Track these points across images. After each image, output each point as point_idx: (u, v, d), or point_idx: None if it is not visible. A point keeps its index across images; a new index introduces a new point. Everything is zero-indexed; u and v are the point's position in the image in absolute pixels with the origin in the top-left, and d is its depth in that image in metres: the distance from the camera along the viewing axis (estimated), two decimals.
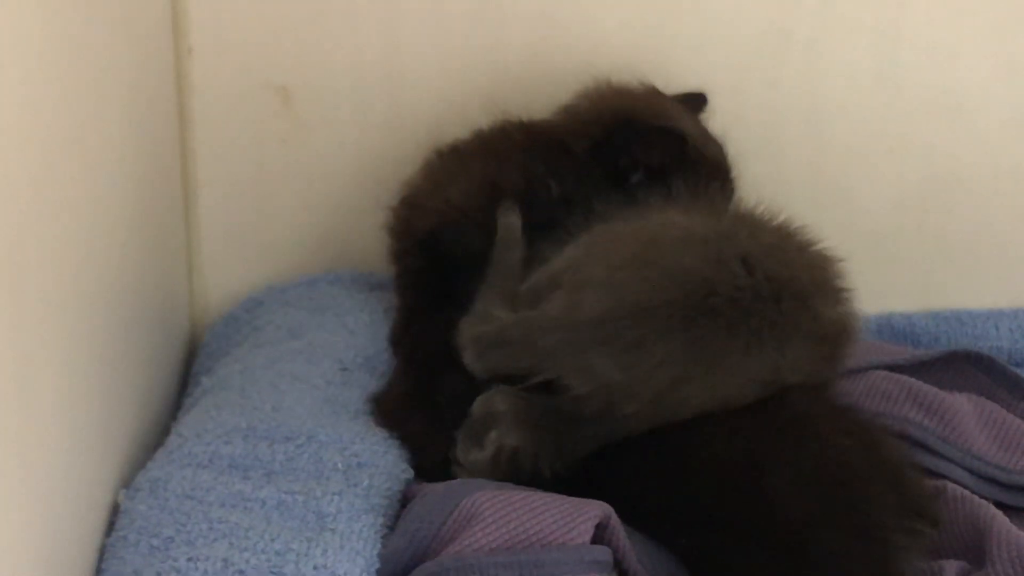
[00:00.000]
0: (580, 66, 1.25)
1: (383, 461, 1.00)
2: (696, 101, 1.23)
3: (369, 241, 1.27)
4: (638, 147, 1.12)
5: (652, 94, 1.19)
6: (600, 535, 0.90)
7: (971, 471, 1.06)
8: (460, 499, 0.91)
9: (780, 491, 0.92)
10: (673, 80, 1.24)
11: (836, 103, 1.29)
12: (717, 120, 1.22)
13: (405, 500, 0.98)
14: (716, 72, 1.27)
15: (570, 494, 0.93)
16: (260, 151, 1.26)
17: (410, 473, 1.01)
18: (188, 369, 1.21)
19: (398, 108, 1.26)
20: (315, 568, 0.86)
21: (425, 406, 1.05)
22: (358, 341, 1.14)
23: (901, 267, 1.32)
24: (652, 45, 1.27)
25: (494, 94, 1.25)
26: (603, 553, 0.89)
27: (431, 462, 1.02)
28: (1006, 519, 0.96)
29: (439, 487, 0.95)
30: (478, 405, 0.98)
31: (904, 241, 1.33)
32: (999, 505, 1.00)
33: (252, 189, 1.27)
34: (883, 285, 1.22)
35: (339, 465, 0.97)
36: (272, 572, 0.85)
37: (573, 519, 0.89)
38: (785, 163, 1.27)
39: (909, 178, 1.32)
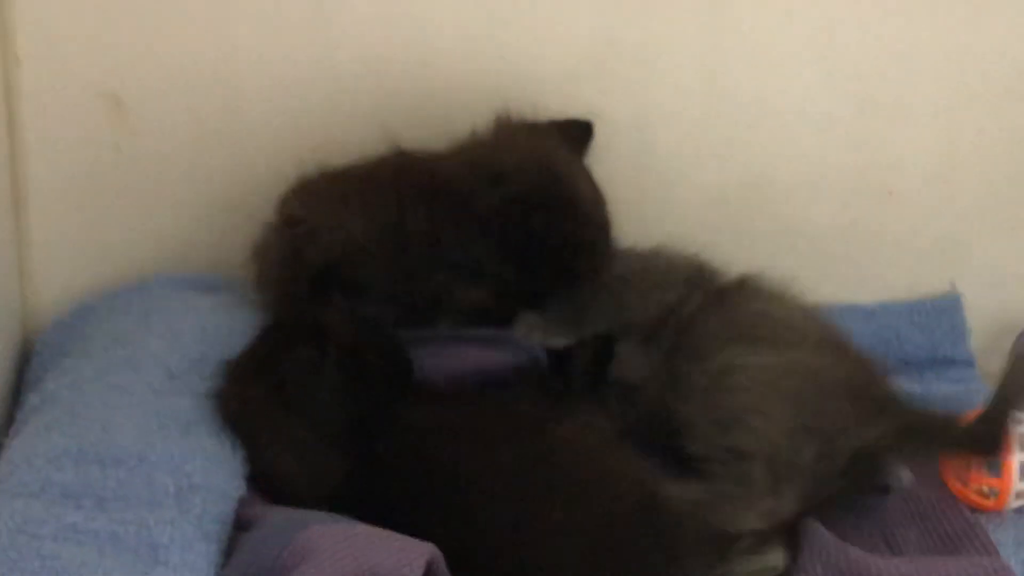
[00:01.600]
0: (414, 75, 1.27)
1: (216, 479, 1.01)
2: (581, 131, 1.23)
3: (202, 245, 1.29)
4: (545, 242, 1.15)
5: (554, 160, 1.18)
6: (429, 574, 0.93)
7: None
8: (294, 533, 0.93)
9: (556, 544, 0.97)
10: (505, 86, 1.26)
11: (663, 110, 1.33)
12: None
13: (239, 520, 1.01)
14: (547, 79, 1.29)
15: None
16: (92, 158, 1.25)
17: (243, 489, 1.03)
18: (22, 379, 1.21)
19: (232, 114, 1.26)
20: None
21: (269, 376, 1.06)
22: (185, 344, 1.13)
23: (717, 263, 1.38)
24: (486, 52, 1.29)
25: (328, 101, 1.27)
26: None
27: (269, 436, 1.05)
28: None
29: (275, 517, 0.97)
30: None
31: (721, 238, 1.37)
32: None
33: (85, 196, 1.27)
34: None
35: (171, 489, 0.99)
36: None
37: (406, 555, 0.92)
38: (613, 167, 1.30)
39: (730, 181, 1.37)
